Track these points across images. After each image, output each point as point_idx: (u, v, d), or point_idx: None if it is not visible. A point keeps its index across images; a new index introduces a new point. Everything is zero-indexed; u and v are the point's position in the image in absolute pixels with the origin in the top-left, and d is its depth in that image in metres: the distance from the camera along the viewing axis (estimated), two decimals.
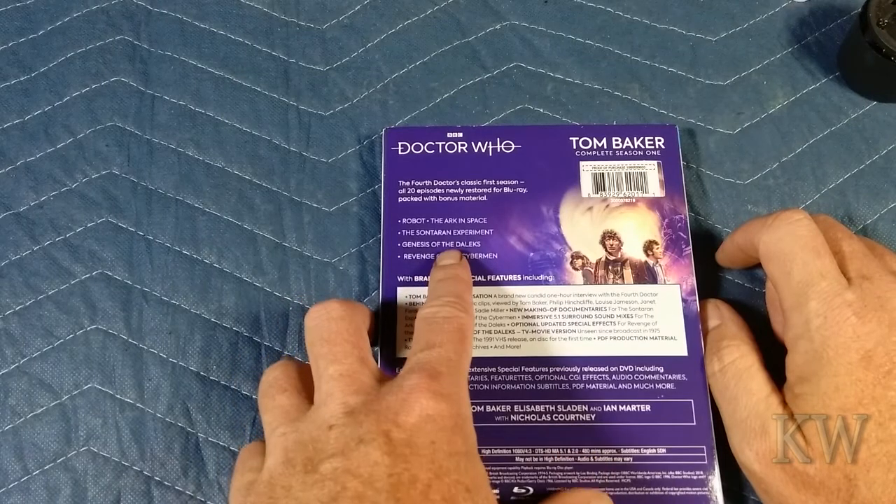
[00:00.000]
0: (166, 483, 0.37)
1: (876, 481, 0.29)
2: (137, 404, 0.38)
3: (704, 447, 0.35)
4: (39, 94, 0.44)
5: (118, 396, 0.38)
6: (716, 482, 0.35)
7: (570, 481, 0.35)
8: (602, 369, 0.37)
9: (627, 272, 0.38)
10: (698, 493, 0.35)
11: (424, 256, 0.39)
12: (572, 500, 0.33)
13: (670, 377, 0.36)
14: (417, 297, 0.38)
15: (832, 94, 0.44)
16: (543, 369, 0.37)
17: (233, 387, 0.38)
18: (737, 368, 0.34)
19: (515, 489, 0.35)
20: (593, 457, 0.35)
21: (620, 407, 0.36)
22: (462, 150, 0.41)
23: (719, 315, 0.37)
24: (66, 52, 0.45)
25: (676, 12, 0.45)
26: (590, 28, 0.45)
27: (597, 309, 0.38)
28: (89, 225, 0.41)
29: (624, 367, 0.37)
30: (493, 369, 0.37)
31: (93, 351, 0.39)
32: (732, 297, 0.40)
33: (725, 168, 0.42)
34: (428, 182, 0.40)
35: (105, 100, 0.44)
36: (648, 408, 0.36)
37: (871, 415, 0.30)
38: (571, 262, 0.39)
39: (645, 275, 0.38)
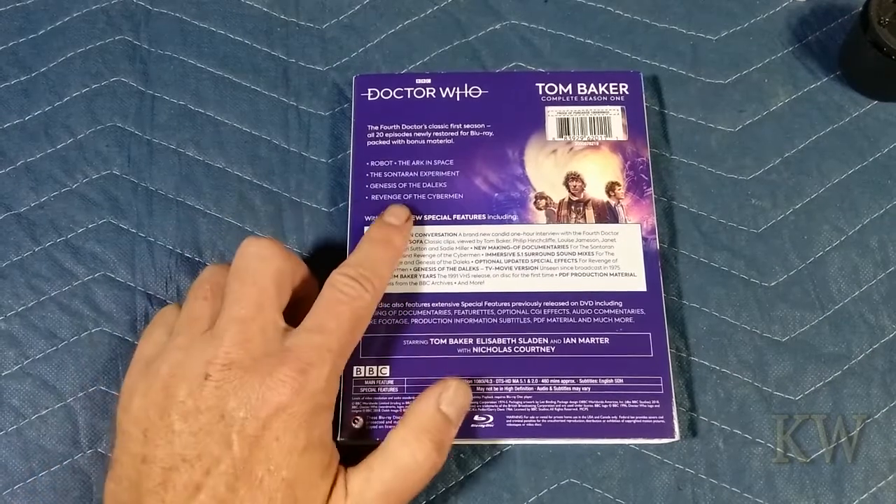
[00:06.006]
0: None
1: None
2: None
3: (661, 378, 0.37)
4: (39, 94, 0.44)
5: None
6: (672, 410, 0.36)
7: (529, 409, 0.37)
8: (562, 304, 0.38)
9: (589, 212, 0.40)
10: (654, 420, 0.36)
11: (392, 197, 0.40)
12: (433, 388, 0.35)
13: (629, 311, 0.38)
14: None
15: (833, 92, 0.44)
16: (505, 304, 0.38)
17: None
18: None
19: (476, 417, 0.37)
20: (552, 386, 0.37)
21: (580, 339, 0.38)
22: (430, 95, 0.42)
23: None
24: (66, 52, 0.44)
25: (677, 11, 0.45)
26: (590, 28, 0.45)
27: (559, 247, 0.39)
28: (90, 226, 0.41)
29: (584, 302, 0.38)
30: (457, 304, 0.38)
31: (98, 353, 0.39)
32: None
33: (727, 164, 0.42)
34: (396, 126, 0.41)
35: (105, 100, 0.44)
36: (607, 340, 0.38)
37: None
38: (535, 202, 0.40)
39: (606, 214, 0.40)
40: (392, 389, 0.37)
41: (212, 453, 0.30)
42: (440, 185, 0.40)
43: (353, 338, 0.34)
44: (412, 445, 0.33)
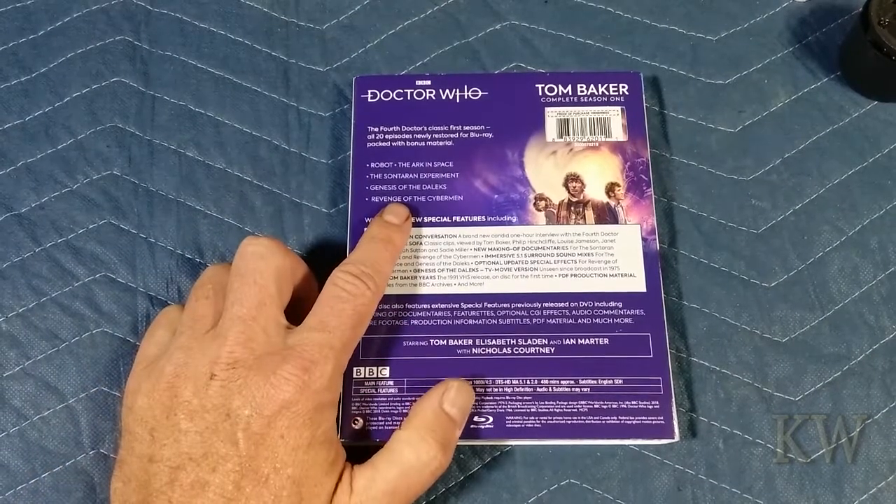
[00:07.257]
0: None
1: None
2: None
3: (661, 378, 0.37)
4: (40, 94, 0.44)
5: None
6: (672, 411, 0.37)
7: (528, 410, 0.37)
8: (562, 305, 0.38)
9: (589, 213, 0.40)
10: (654, 421, 0.36)
11: (392, 199, 0.40)
12: (435, 388, 0.35)
13: (629, 312, 0.38)
14: None
15: (833, 93, 0.44)
16: (505, 305, 0.38)
17: None
18: None
19: (476, 418, 0.37)
20: (552, 387, 0.37)
21: (579, 340, 0.38)
22: (430, 96, 0.42)
23: None
24: (67, 53, 0.45)
25: (677, 12, 0.45)
26: (590, 28, 0.45)
27: (558, 248, 0.39)
28: (91, 227, 0.41)
29: (584, 303, 0.38)
30: (457, 305, 0.38)
31: (99, 353, 0.39)
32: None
33: (727, 165, 0.42)
34: (396, 128, 0.41)
35: (105, 100, 0.44)
36: (607, 341, 0.38)
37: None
38: (535, 204, 0.40)
39: (606, 215, 0.40)
40: (392, 390, 0.37)
41: (218, 452, 0.30)
42: (440, 186, 0.40)
43: (355, 335, 0.34)
44: (416, 445, 0.33)
